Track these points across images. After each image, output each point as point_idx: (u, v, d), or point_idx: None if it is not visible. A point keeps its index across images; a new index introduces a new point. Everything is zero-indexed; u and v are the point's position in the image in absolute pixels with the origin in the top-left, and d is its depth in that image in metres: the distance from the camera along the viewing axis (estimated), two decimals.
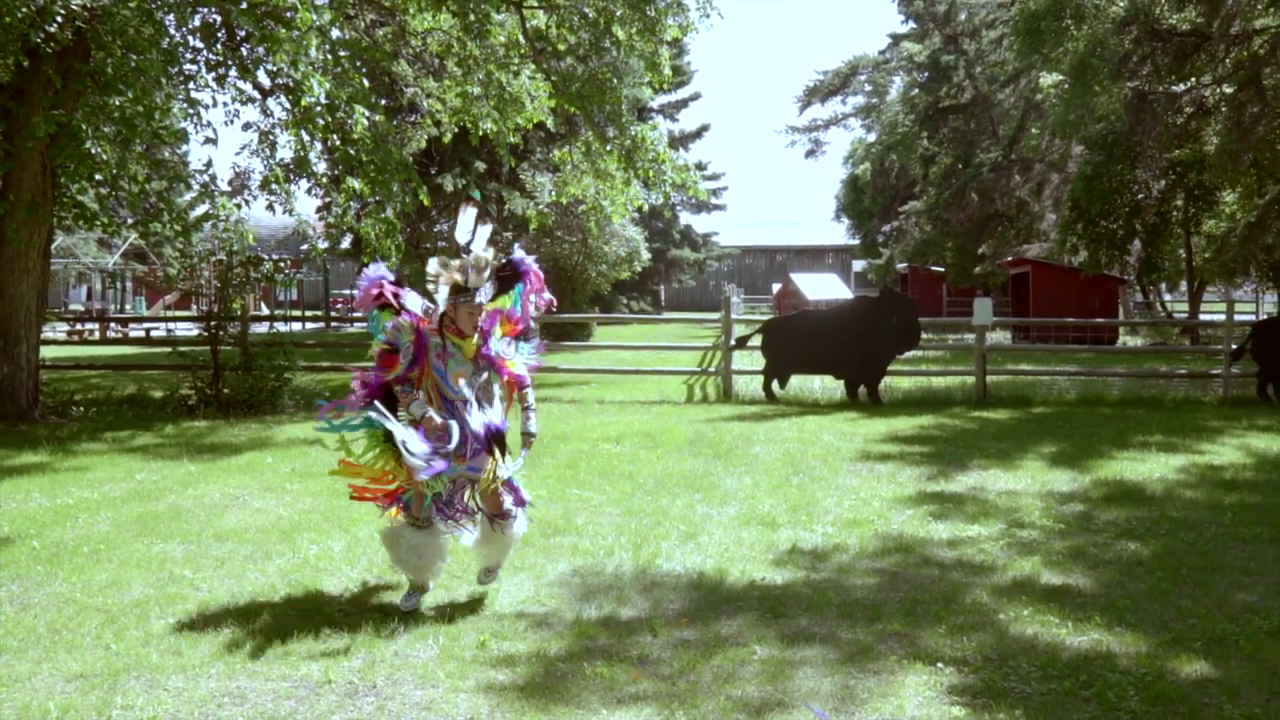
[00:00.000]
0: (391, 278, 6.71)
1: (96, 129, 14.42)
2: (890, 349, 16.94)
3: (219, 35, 15.04)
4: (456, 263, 6.41)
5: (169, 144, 20.17)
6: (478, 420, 6.41)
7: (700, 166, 56.67)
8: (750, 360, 20.49)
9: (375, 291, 6.63)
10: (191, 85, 15.75)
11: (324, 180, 21.41)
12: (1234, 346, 17.29)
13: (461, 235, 6.56)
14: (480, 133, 18.65)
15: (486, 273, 6.47)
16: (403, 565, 6.55)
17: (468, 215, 6.65)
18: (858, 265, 76.65)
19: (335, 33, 15.11)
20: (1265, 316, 28.74)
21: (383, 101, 21.87)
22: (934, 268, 50.44)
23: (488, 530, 6.65)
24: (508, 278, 6.79)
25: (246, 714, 5.01)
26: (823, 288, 47.61)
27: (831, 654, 5.70)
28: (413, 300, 6.58)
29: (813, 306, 39.20)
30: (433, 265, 6.38)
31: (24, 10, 12.01)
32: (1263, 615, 6.30)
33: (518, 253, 6.92)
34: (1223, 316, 18.81)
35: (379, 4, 17.76)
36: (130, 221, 20.07)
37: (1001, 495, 9.79)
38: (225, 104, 22.81)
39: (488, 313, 6.56)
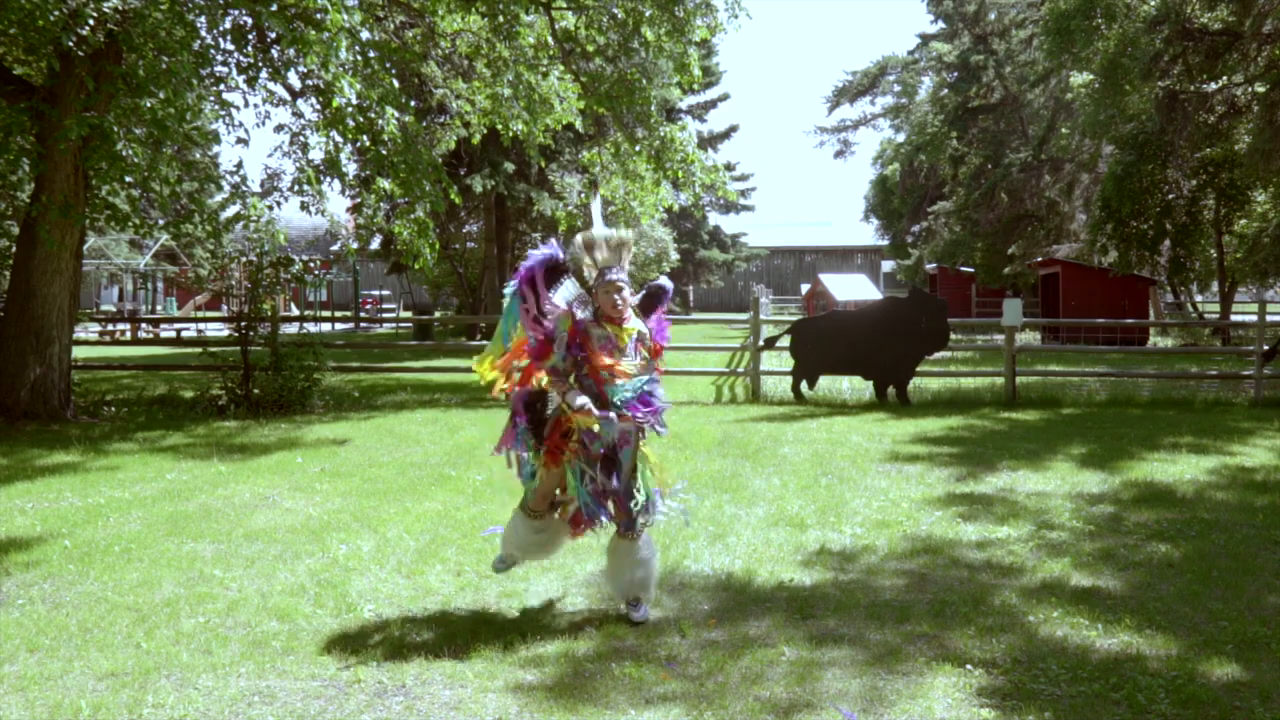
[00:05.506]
0: (559, 256, 6.37)
1: (128, 131, 14.52)
2: (919, 350, 16.89)
3: (250, 37, 15.11)
4: (588, 241, 6.27)
5: (200, 145, 20.30)
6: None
7: (729, 167, 56.73)
8: (779, 361, 20.47)
9: (527, 274, 6.31)
10: (222, 87, 15.85)
11: (354, 181, 21.49)
12: (1266, 347, 17.16)
13: (595, 221, 6.46)
14: (510, 134, 18.68)
15: (619, 252, 6.25)
16: (509, 545, 6.59)
17: (596, 202, 6.66)
18: (887, 266, 76.64)
19: (365, 34, 15.16)
20: None
21: (412, 103, 21.92)
22: (963, 268, 50.32)
23: (614, 544, 6.43)
24: (651, 300, 6.50)
25: (276, 713, 5.03)
26: (851, 288, 47.53)
27: (860, 655, 5.69)
28: (568, 288, 6.34)
29: (841, 307, 39.16)
30: (575, 247, 6.33)
31: (56, 13, 12.10)
32: None
33: (664, 280, 6.63)
34: (1254, 317, 18.68)
35: (408, 6, 17.80)
36: (162, 223, 20.20)
37: (1031, 496, 9.75)
38: (256, 106, 22.93)
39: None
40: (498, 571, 6.73)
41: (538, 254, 6.31)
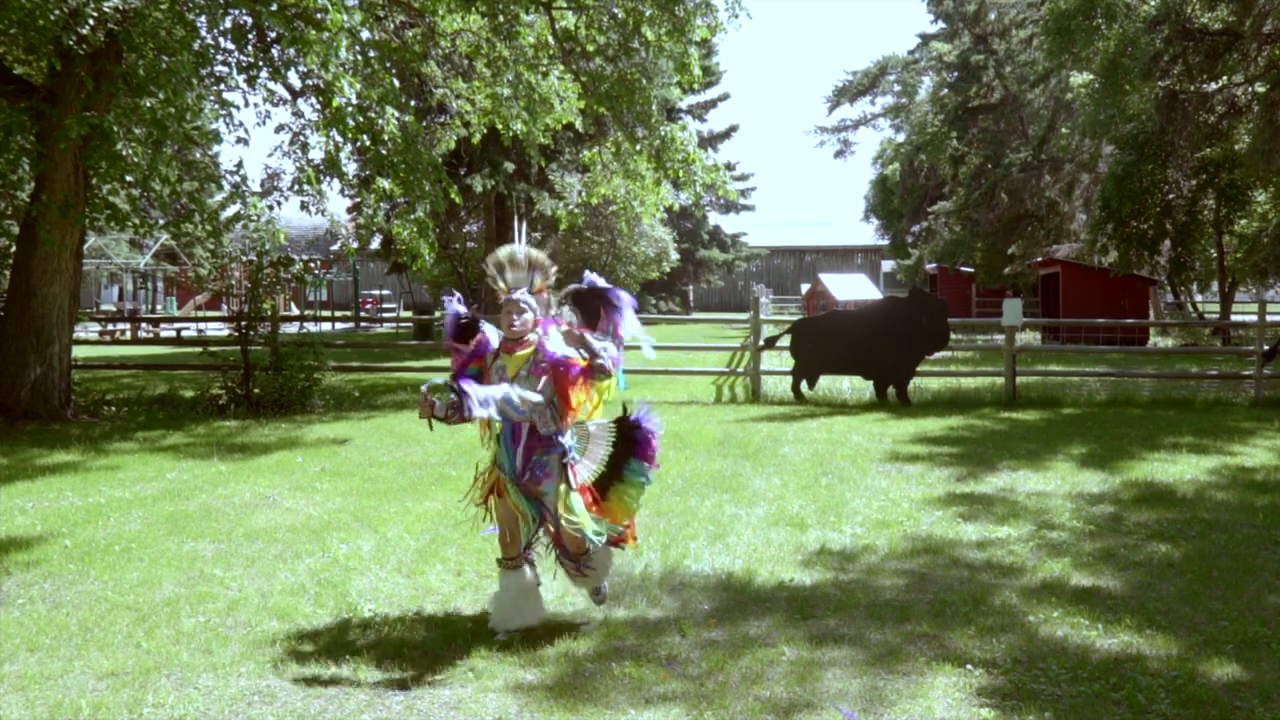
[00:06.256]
0: (461, 314, 6.12)
1: (128, 130, 14.52)
2: (919, 349, 16.88)
3: (250, 37, 15.12)
4: (497, 261, 6.03)
5: (200, 145, 20.30)
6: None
7: (729, 167, 56.66)
8: (779, 361, 20.47)
9: (449, 343, 6.06)
10: (222, 87, 15.86)
11: (354, 181, 21.48)
12: (1266, 347, 17.16)
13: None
14: (510, 134, 18.67)
15: (530, 272, 6.00)
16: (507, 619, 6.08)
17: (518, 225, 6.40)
18: (887, 265, 76.63)
19: (365, 34, 15.16)
20: None
21: (412, 102, 21.92)
22: (963, 268, 50.30)
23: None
24: (591, 304, 6.20)
25: (276, 712, 5.03)
26: (851, 288, 47.51)
27: (860, 655, 5.69)
28: (490, 331, 6.08)
29: (841, 307, 39.16)
30: (488, 267, 6.04)
31: (57, 13, 12.10)
32: None
33: (589, 275, 6.31)
34: (1254, 317, 18.67)
35: (408, 5, 17.80)
36: (162, 222, 20.19)
37: (1031, 496, 9.75)
38: (256, 105, 22.91)
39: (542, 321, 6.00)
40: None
41: (447, 317, 6.15)
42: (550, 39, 17.67)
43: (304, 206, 16.01)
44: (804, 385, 17.49)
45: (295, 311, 36.56)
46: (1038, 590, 6.81)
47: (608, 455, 6.16)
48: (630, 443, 6.16)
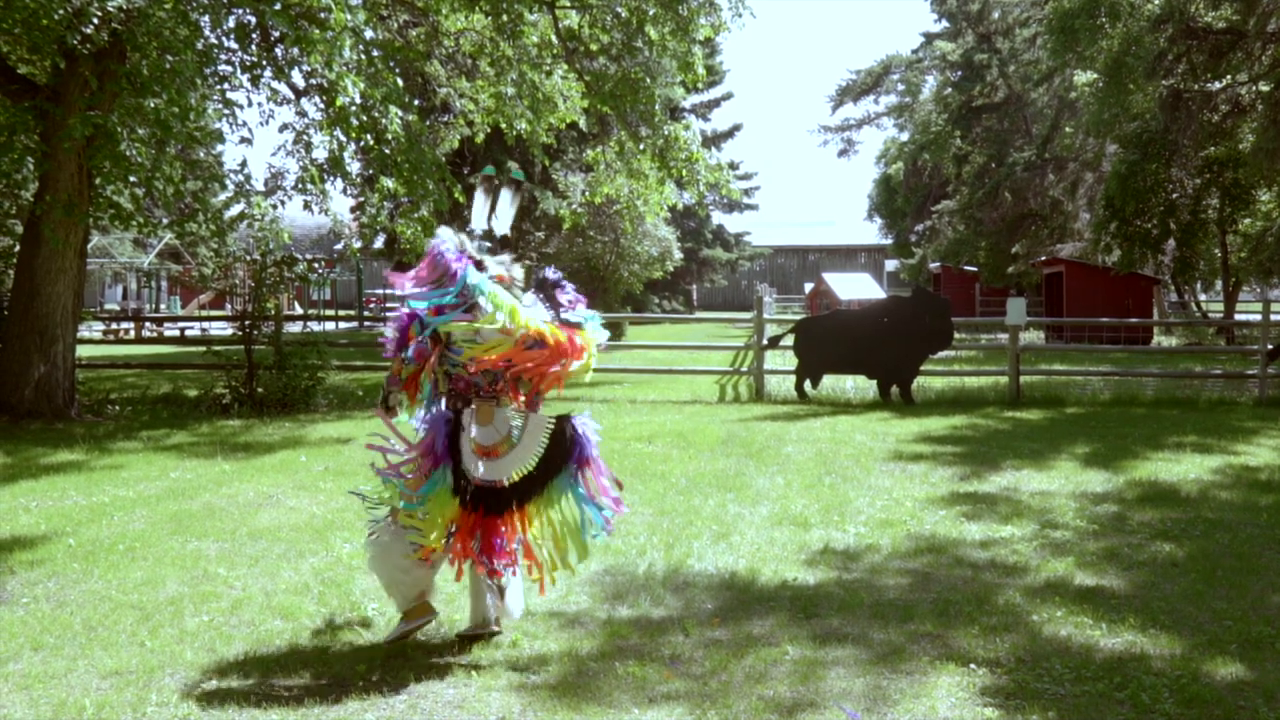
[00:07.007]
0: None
1: (132, 130, 14.52)
2: (923, 349, 16.87)
3: (253, 36, 15.12)
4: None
5: (204, 144, 20.29)
6: None
7: (733, 166, 56.56)
8: (782, 360, 20.46)
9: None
10: (226, 86, 15.86)
11: (358, 180, 21.52)
12: (1270, 346, 17.13)
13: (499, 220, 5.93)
14: (513, 133, 18.67)
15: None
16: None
17: (479, 191, 5.99)
18: (890, 265, 76.56)
19: (369, 33, 15.16)
20: None
21: (416, 102, 21.92)
22: (967, 267, 50.24)
23: None
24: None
25: (279, 712, 5.02)
26: (855, 287, 47.50)
27: (863, 654, 5.69)
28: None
29: (845, 306, 39.15)
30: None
31: (61, 12, 12.11)
32: None
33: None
34: (1258, 316, 18.64)
35: (412, 4, 17.81)
36: (166, 221, 20.20)
37: (1035, 496, 9.74)
38: (260, 105, 22.91)
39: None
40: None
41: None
42: (554, 38, 17.69)
43: (307, 206, 16.03)
44: (807, 384, 17.48)
45: (299, 311, 36.58)
46: (1041, 590, 6.81)
47: (540, 452, 5.64)
48: (563, 447, 5.66)
